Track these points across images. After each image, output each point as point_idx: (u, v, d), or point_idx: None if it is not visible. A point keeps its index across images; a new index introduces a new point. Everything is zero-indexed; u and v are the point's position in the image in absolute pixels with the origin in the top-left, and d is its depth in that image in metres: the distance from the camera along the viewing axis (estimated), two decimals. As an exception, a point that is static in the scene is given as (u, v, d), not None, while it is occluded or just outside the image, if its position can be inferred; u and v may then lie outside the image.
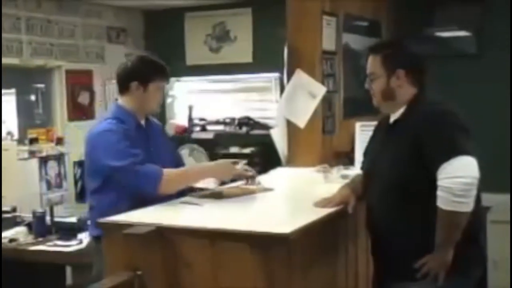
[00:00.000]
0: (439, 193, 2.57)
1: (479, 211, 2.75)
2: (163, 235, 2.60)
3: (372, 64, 2.89)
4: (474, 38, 5.77)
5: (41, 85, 6.44)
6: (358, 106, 5.01)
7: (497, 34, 5.56)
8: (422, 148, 2.64)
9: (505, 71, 5.51)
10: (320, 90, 4.50)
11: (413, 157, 2.68)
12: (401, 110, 2.84)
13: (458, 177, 2.52)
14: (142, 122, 3.33)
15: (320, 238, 2.83)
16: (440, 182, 2.56)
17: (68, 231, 4.30)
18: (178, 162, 3.46)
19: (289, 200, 3.47)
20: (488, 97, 5.50)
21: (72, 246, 4.11)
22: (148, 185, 3.03)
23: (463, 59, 5.73)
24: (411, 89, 2.83)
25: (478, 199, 2.64)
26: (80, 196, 6.59)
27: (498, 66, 5.54)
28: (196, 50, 7.24)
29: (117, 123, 3.18)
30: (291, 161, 4.57)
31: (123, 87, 3.27)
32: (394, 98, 2.84)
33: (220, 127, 6.98)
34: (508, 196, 5.03)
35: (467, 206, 2.56)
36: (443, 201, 2.56)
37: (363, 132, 4.31)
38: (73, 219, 4.45)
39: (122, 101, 3.29)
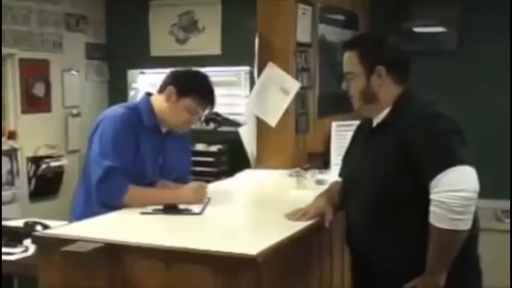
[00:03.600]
0: (433, 208, 2.24)
1: (476, 226, 2.43)
2: (110, 254, 2.23)
3: (349, 61, 2.55)
4: (454, 34, 5.58)
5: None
6: (334, 104, 4.71)
7: (478, 30, 5.39)
8: (411, 156, 2.32)
9: (486, 68, 5.35)
10: (294, 85, 4.17)
11: (399, 166, 2.36)
12: (385, 112, 2.51)
13: (458, 190, 2.20)
14: (164, 129, 3.12)
15: (292, 255, 2.50)
16: (434, 196, 2.24)
17: (13, 237, 3.88)
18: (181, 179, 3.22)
19: (259, 210, 3.14)
20: (469, 96, 5.33)
21: (16, 254, 3.69)
22: (111, 196, 2.85)
23: (443, 56, 5.55)
24: (395, 88, 2.50)
25: (474, 212, 2.32)
26: (35, 194, 6.26)
27: (479, 63, 5.38)
28: (161, 41, 6.84)
29: (132, 112, 3.01)
30: (261, 163, 4.26)
31: (162, 86, 3.10)
32: (376, 99, 2.51)
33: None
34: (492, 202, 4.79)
35: (466, 223, 2.24)
36: (438, 218, 2.24)
37: (339, 133, 3.99)
38: (19, 223, 4.01)
39: (154, 98, 3.11)
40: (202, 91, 3.05)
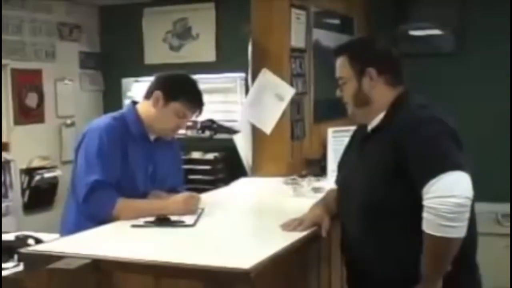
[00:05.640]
0: (425, 215, 2.16)
1: (474, 232, 2.34)
2: (98, 270, 2.15)
3: (340, 67, 2.50)
4: (451, 36, 5.48)
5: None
6: (330, 109, 4.62)
7: (476, 32, 5.31)
8: (403, 161, 2.24)
9: (485, 69, 5.27)
10: (289, 91, 4.09)
11: (391, 171, 2.28)
12: (379, 117, 2.44)
13: (449, 196, 2.11)
14: (152, 137, 3.03)
15: (289, 266, 2.42)
16: (426, 202, 2.15)
17: (4, 251, 3.78)
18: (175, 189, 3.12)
19: (254, 220, 3.05)
20: (468, 97, 5.25)
21: (7, 269, 3.60)
22: (99, 210, 2.77)
23: (441, 58, 5.47)
24: (388, 91, 2.44)
25: (472, 218, 2.23)
26: (29, 207, 6.17)
27: (478, 65, 5.29)
28: (155, 48, 6.77)
29: (118, 122, 2.91)
30: (257, 170, 4.18)
31: (149, 92, 2.99)
32: (369, 102, 2.44)
33: (181, 131, 6.51)
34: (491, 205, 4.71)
35: (459, 231, 2.14)
36: (429, 225, 2.15)
37: (336, 139, 3.91)
38: (11, 236, 3.92)
39: (140, 105, 3.01)
40: (191, 94, 2.96)
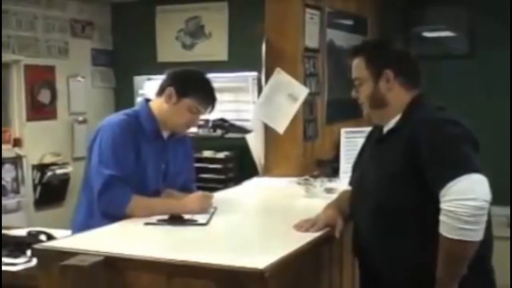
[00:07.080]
0: (442, 218, 2.14)
1: (490, 236, 2.32)
2: (111, 267, 2.15)
3: (356, 67, 2.49)
4: (464, 38, 5.51)
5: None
6: (343, 110, 4.64)
7: (488, 34, 5.31)
8: (419, 162, 2.23)
9: (498, 71, 5.29)
10: (302, 92, 4.08)
11: (407, 171, 2.27)
12: (395, 119, 2.43)
13: (467, 199, 2.09)
14: (165, 134, 3.01)
15: (302, 267, 2.41)
16: (444, 205, 2.13)
17: (16, 247, 3.80)
18: (186, 187, 3.11)
19: (267, 220, 3.04)
20: (481, 100, 5.27)
21: (19, 264, 3.61)
22: (114, 206, 2.77)
23: (454, 60, 5.49)
24: (405, 93, 2.43)
25: (488, 221, 2.22)
26: (40, 203, 6.19)
27: (490, 67, 5.31)
28: (168, 47, 6.80)
29: (131, 119, 2.91)
30: (269, 170, 4.17)
31: (161, 88, 2.98)
32: (385, 104, 2.43)
33: (193, 129, 6.51)
34: (502, 209, 4.68)
35: (477, 234, 2.13)
36: (446, 227, 2.13)
37: (349, 140, 3.90)
38: (23, 232, 3.93)
39: (153, 102, 3.01)
40: (203, 90, 2.95)
